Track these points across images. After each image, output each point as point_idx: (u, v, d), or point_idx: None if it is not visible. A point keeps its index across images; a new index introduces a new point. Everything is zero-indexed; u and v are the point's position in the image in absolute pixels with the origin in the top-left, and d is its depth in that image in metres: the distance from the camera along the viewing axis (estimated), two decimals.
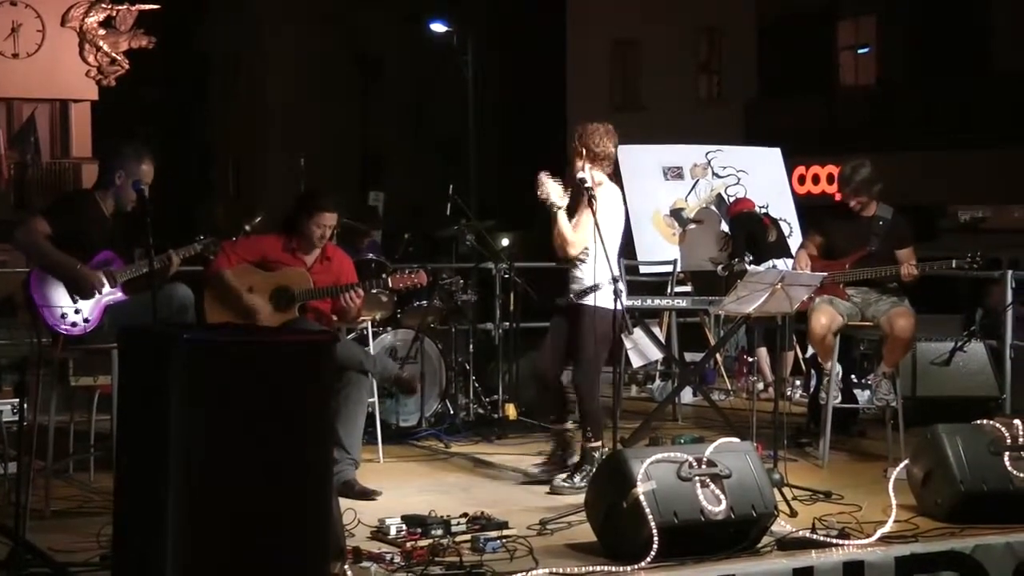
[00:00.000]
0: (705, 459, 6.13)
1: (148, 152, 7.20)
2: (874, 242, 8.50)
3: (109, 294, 7.06)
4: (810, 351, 10.35)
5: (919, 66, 26.94)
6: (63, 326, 6.92)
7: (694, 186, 11.00)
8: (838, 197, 8.91)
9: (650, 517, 5.81)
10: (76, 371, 7.18)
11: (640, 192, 10.82)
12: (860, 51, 28.93)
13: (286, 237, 7.97)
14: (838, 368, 8.64)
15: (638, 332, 9.36)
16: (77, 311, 6.96)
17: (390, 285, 8.11)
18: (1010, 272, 10.33)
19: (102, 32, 11.79)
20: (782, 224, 10.96)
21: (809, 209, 11.01)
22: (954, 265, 8.44)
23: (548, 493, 7.53)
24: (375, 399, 8.77)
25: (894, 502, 6.70)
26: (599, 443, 7.68)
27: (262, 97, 40.90)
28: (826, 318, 8.40)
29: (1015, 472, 6.77)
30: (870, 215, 8.58)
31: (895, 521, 6.52)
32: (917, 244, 8.74)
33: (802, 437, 9.04)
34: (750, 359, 11.39)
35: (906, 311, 8.38)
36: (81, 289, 6.97)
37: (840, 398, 8.77)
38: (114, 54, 11.76)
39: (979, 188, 25.67)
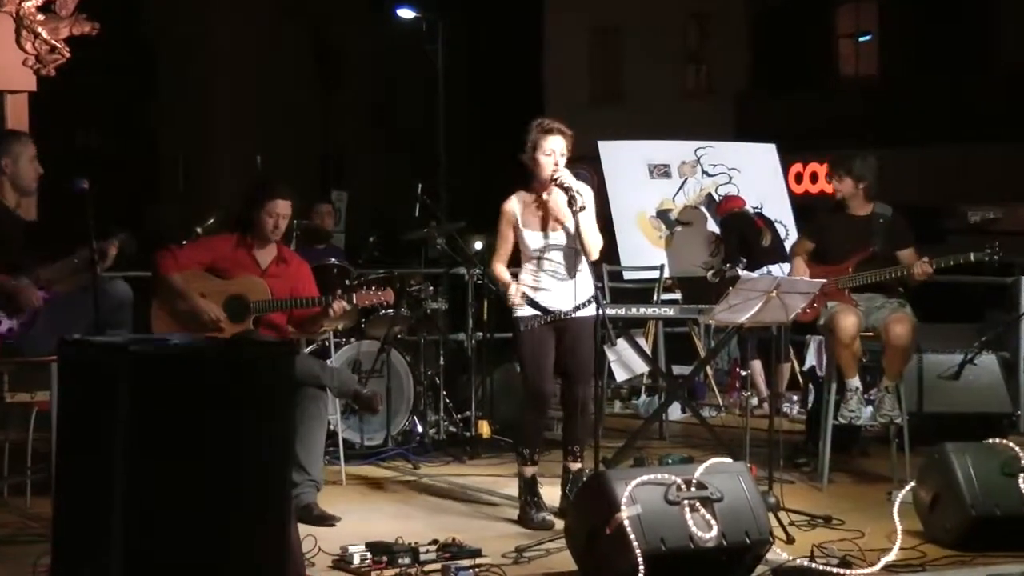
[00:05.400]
0: (694, 481, 6.13)
1: (27, 134, 7.64)
2: (876, 242, 8.48)
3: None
4: (808, 363, 10.35)
5: (924, 55, 27.04)
6: None
7: (682, 185, 11.01)
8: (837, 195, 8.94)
9: (635, 544, 5.80)
10: (12, 386, 7.14)
11: (624, 192, 10.83)
12: (861, 39, 29.04)
13: (239, 235, 7.91)
14: (857, 383, 8.45)
15: (622, 343, 9.35)
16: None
17: (355, 302, 7.95)
18: None
19: (40, 18, 11.68)
20: (777, 226, 10.97)
21: (804, 210, 11.03)
22: (973, 258, 8.32)
23: (516, 521, 7.48)
24: (336, 415, 8.75)
25: (899, 527, 6.71)
26: (523, 467, 7.64)
27: (213, 90, 40.78)
28: (855, 317, 8.29)
29: None
30: (868, 213, 8.58)
31: (900, 548, 6.55)
32: (923, 247, 8.70)
33: (799, 457, 9.04)
34: (743, 372, 11.41)
35: (903, 316, 8.33)
36: (16, 306, 7.01)
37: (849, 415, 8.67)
38: (54, 41, 11.66)
39: (990, 187, 25.75)
